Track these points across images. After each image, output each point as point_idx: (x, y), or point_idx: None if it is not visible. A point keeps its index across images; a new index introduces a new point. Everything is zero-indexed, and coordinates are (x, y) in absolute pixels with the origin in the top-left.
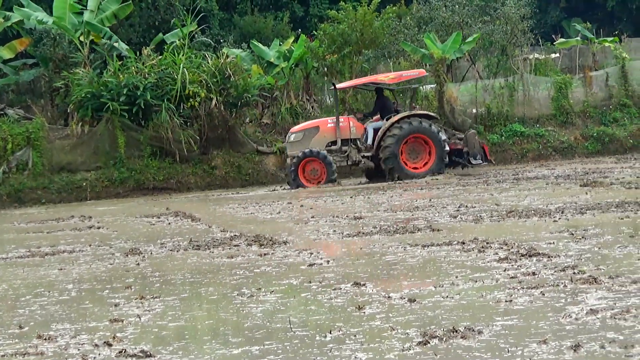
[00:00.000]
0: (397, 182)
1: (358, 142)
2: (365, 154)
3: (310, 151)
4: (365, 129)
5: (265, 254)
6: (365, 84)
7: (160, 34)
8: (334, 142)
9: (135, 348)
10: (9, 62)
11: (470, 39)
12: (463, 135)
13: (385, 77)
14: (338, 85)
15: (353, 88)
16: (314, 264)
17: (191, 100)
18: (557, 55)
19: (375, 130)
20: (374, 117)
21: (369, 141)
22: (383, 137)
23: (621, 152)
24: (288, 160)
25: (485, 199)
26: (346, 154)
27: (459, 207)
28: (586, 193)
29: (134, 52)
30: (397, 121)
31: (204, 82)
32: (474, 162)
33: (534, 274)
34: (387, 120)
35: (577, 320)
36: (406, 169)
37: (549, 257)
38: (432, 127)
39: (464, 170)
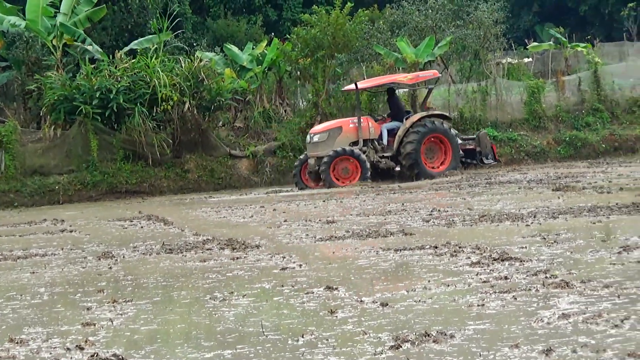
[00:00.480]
0: (395, 184)
1: (376, 142)
2: (385, 154)
3: (344, 150)
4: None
5: (237, 258)
6: (382, 84)
7: (135, 40)
8: (355, 143)
9: (107, 352)
10: None
11: (442, 42)
12: (475, 136)
13: (404, 78)
14: (360, 85)
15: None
16: (287, 267)
17: (164, 103)
18: (530, 59)
19: (389, 131)
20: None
21: (384, 141)
22: (404, 137)
23: (593, 156)
24: (311, 161)
25: (457, 203)
26: (365, 154)
27: (432, 211)
28: (558, 197)
29: (107, 55)
30: (417, 121)
31: (177, 85)
32: (486, 161)
33: (506, 278)
34: (406, 120)
35: (549, 324)
36: (426, 168)
37: (521, 261)
38: (448, 127)
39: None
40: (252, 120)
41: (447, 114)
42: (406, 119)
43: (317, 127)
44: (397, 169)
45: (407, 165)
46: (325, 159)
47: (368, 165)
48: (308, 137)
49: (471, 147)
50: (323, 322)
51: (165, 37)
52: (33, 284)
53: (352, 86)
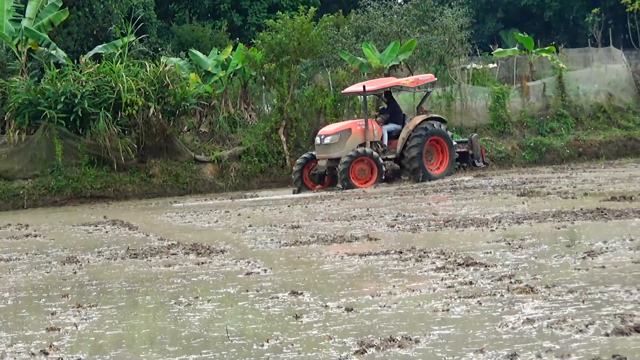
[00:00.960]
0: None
1: (378, 144)
2: (388, 157)
3: (364, 151)
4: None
5: (202, 263)
6: (387, 86)
7: (99, 46)
8: (363, 144)
9: (72, 357)
10: None
11: (405, 43)
12: (467, 139)
13: (406, 81)
14: (367, 87)
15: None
16: (252, 272)
17: (129, 108)
18: (495, 65)
19: (389, 133)
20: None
21: (385, 143)
22: (408, 139)
23: (558, 161)
24: (322, 162)
25: (422, 209)
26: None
27: (397, 216)
28: (523, 203)
29: (71, 60)
30: (419, 124)
31: (142, 90)
32: (477, 164)
33: (471, 283)
34: (409, 122)
35: (513, 329)
36: (428, 170)
37: (486, 266)
38: (446, 130)
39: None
40: (217, 125)
41: (444, 117)
42: (409, 121)
43: (328, 129)
44: (396, 169)
45: (412, 169)
46: (345, 159)
47: (384, 167)
48: (318, 138)
49: (463, 150)
50: (288, 327)
51: (129, 38)
52: None
53: (358, 88)
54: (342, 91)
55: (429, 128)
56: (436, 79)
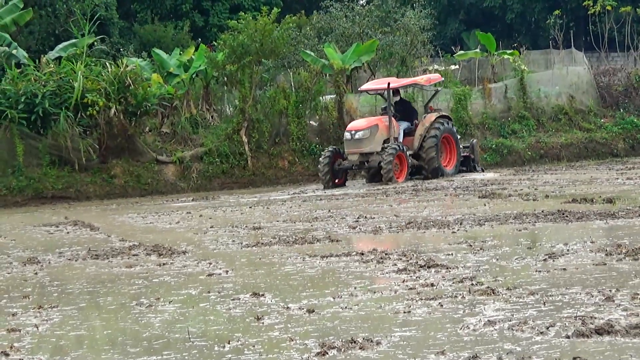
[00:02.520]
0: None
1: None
2: (409, 153)
3: (399, 147)
4: None
5: (164, 264)
6: (408, 84)
7: (60, 45)
8: (387, 140)
9: (33, 358)
10: None
11: (366, 43)
12: (469, 144)
13: (422, 80)
14: (392, 85)
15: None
16: (213, 274)
17: (90, 108)
18: (457, 66)
19: (404, 130)
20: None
21: (400, 140)
22: (426, 137)
23: (519, 163)
24: (353, 157)
25: (384, 210)
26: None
27: (358, 217)
28: (485, 205)
29: (32, 60)
30: (434, 122)
31: (103, 90)
32: (477, 169)
33: (432, 285)
34: (424, 119)
35: (474, 331)
36: (443, 166)
37: (447, 268)
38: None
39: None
40: (179, 125)
41: (449, 115)
42: (424, 118)
43: (358, 124)
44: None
45: (432, 168)
46: (389, 151)
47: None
48: (348, 134)
49: (465, 154)
50: (249, 329)
51: (89, 40)
52: None
53: (381, 85)
54: (360, 88)
55: (442, 127)
56: (443, 78)
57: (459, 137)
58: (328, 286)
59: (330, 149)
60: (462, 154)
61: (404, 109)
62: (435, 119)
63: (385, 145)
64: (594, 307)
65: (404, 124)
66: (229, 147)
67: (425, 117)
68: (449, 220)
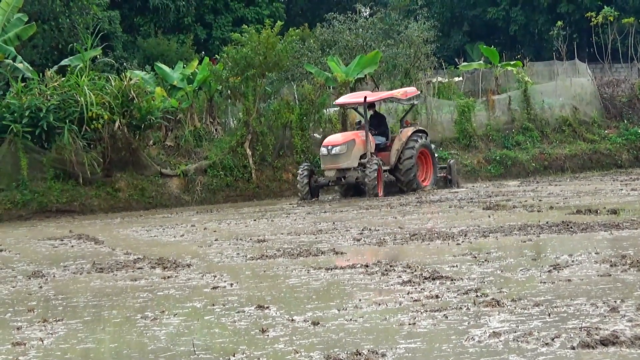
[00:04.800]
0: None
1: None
2: (385, 168)
3: (380, 161)
4: None
5: (168, 277)
6: (384, 98)
7: (65, 59)
8: (364, 155)
9: None
10: None
11: (369, 55)
12: (446, 165)
13: (398, 93)
14: (368, 99)
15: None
16: (218, 286)
17: (94, 122)
18: (460, 78)
19: (377, 145)
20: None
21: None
22: (402, 151)
23: (524, 175)
24: (329, 173)
25: (389, 222)
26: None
27: (363, 230)
28: (489, 216)
29: (37, 73)
30: (411, 136)
31: (107, 104)
32: (454, 189)
33: (437, 296)
34: (400, 133)
35: (479, 342)
36: (419, 182)
37: (452, 280)
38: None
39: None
40: (183, 139)
41: (425, 130)
42: (400, 133)
43: (334, 139)
44: (392, 180)
45: (407, 181)
46: (372, 167)
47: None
48: (325, 149)
49: (442, 175)
50: (254, 341)
51: (94, 53)
52: None
53: (357, 99)
54: (335, 102)
55: (419, 140)
56: (419, 92)
57: (435, 152)
58: (333, 298)
59: (306, 164)
60: (438, 174)
61: (378, 124)
62: (411, 134)
63: (362, 160)
64: (599, 318)
65: (379, 139)
66: (233, 160)
67: (401, 131)
68: (454, 232)
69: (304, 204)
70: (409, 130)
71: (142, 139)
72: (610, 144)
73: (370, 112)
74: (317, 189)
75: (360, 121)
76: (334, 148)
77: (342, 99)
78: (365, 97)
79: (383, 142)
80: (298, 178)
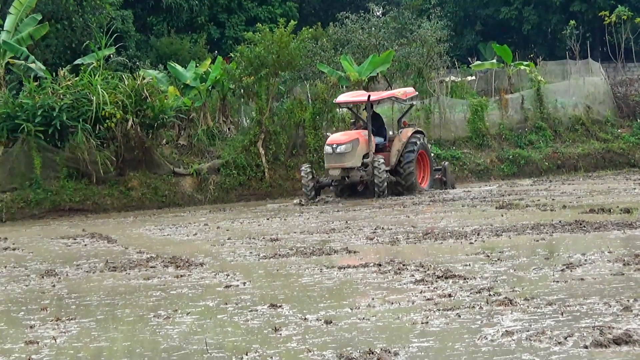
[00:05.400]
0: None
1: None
2: (385, 169)
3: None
4: None
5: (181, 276)
6: (386, 97)
7: (78, 59)
8: (366, 155)
9: None
10: None
11: (383, 54)
12: (441, 167)
13: (399, 93)
14: (372, 98)
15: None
16: (231, 285)
17: (107, 121)
18: (473, 77)
19: (377, 145)
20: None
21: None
22: (403, 154)
23: (537, 174)
24: (334, 172)
25: (401, 221)
26: (367, 167)
27: (375, 229)
28: (502, 215)
29: (50, 73)
30: (410, 137)
31: (120, 103)
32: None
33: (450, 295)
34: (401, 134)
35: (492, 341)
36: (418, 183)
37: (465, 279)
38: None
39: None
40: (196, 138)
41: (422, 130)
42: (400, 133)
43: (339, 138)
44: (392, 180)
45: (408, 184)
46: (381, 167)
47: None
48: (329, 148)
49: (438, 177)
50: (267, 340)
51: (108, 52)
52: None
53: (360, 98)
54: (335, 100)
55: (418, 142)
56: (417, 92)
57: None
58: (345, 297)
59: (307, 165)
60: (434, 176)
61: (375, 124)
62: (411, 134)
63: (365, 160)
64: (611, 317)
65: (377, 139)
66: (245, 159)
67: (401, 132)
68: (466, 231)
69: (308, 204)
70: (408, 131)
71: (155, 138)
72: (623, 143)
73: (371, 113)
74: (319, 189)
75: (355, 121)
76: (339, 147)
77: (342, 98)
78: (369, 96)
79: (382, 143)
80: (303, 180)
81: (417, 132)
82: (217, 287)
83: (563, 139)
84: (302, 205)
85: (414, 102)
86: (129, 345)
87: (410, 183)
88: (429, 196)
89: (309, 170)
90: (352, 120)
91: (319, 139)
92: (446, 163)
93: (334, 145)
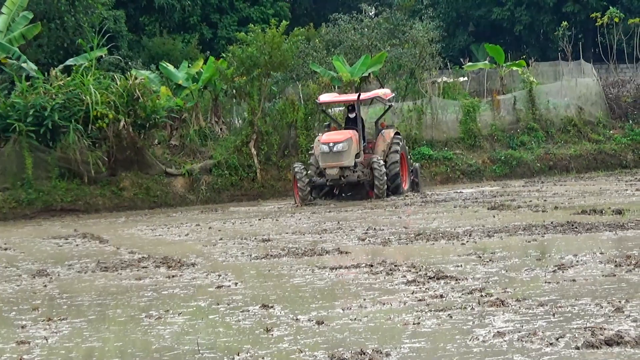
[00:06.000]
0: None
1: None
2: (385, 170)
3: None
4: None
5: (173, 276)
6: (371, 97)
7: (70, 59)
8: (357, 155)
9: None
10: None
11: (375, 56)
12: (412, 169)
13: (381, 92)
14: (362, 96)
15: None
16: (222, 285)
17: (99, 121)
18: (465, 78)
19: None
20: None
21: None
22: (388, 155)
23: (528, 175)
24: (331, 171)
25: (393, 222)
26: (357, 167)
27: (367, 229)
28: (494, 216)
29: (42, 72)
30: (393, 138)
31: (112, 103)
32: (419, 191)
33: (441, 296)
34: (384, 135)
35: (484, 342)
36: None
37: (456, 279)
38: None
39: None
40: (188, 138)
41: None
42: (383, 134)
43: (335, 136)
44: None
45: (395, 185)
46: (380, 168)
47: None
48: (326, 146)
49: (411, 178)
50: (259, 341)
51: (101, 52)
52: None
53: (350, 97)
54: (319, 99)
55: (400, 143)
56: (394, 94)
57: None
58: (337, 298)
59: (299, 164)
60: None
61: (361, 125)
62: (394, 135)
63: (356, 160)
64: (603, 318)
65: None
66: (237, 159)
67: (384, 132)
68: (458, 231)
69: (303, 205)
70: (391, 132)
71: (147, 138)
72: (615, 144)
73: (352, 115)
74: (314, 190)
75: (329, 123)
76: (337, 145)
77: (327, 97)
78: (359, 95)
79: (364, 144)
80: (299, 184)
81: (397, 133)
82: (208, 287)
83: (555, 140)
84: (298, 206)
85: (392, 104)
86: (121, 345)
87: (397, 184)
88: (420, 197)
89: (303, 171)
90: (326, 123)
91: (311, 140)
92: (417, 165)
93: (331, 144)
